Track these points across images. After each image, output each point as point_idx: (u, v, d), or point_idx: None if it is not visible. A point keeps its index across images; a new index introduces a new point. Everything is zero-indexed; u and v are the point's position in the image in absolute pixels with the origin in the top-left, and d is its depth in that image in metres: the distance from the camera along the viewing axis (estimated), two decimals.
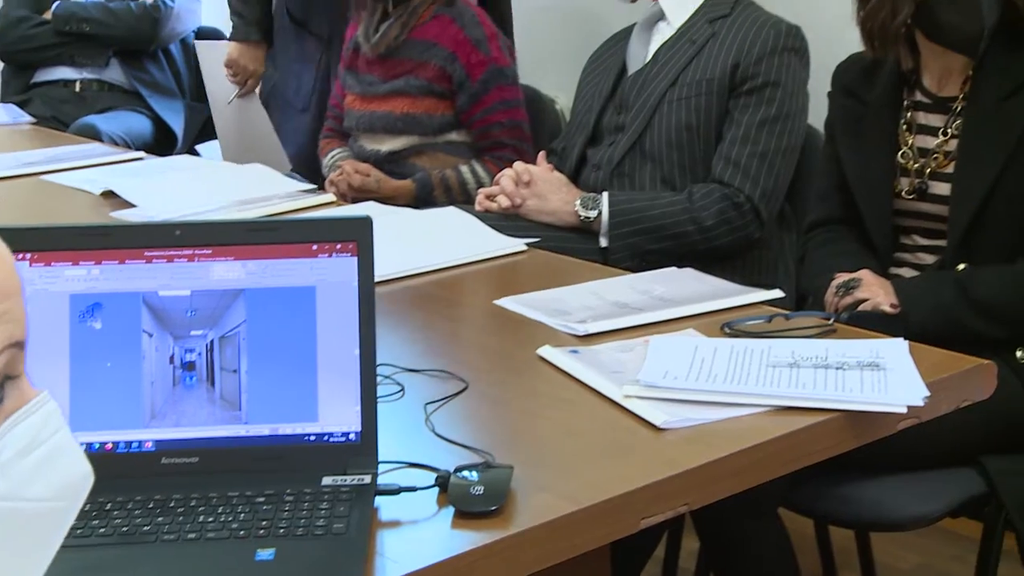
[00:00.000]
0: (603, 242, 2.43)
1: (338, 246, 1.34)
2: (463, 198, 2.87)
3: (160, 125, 3.99)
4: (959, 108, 2.06)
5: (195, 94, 4.18)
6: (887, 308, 1.93)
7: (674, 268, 2.07)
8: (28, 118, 3.71)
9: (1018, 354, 1.94)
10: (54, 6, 3.97)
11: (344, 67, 3.10)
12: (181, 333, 1.32)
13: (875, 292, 1.95)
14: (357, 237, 1.34)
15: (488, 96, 2.90)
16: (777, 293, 1.90)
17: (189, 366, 1.32)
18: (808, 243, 2.24)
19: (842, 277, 2.01)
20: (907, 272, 2.10)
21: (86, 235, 1.33)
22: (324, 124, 3.23)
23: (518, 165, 2.51)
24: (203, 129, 4.18)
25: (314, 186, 2.84)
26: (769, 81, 2.38)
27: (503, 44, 2.94)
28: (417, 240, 2.23)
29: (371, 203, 2.64)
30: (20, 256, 1.28)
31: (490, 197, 2.50)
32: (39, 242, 1.31)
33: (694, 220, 2.37)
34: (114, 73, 4.03)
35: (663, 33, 2.53)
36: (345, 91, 3.09)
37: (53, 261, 1.30)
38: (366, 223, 1.35)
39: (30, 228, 1.34)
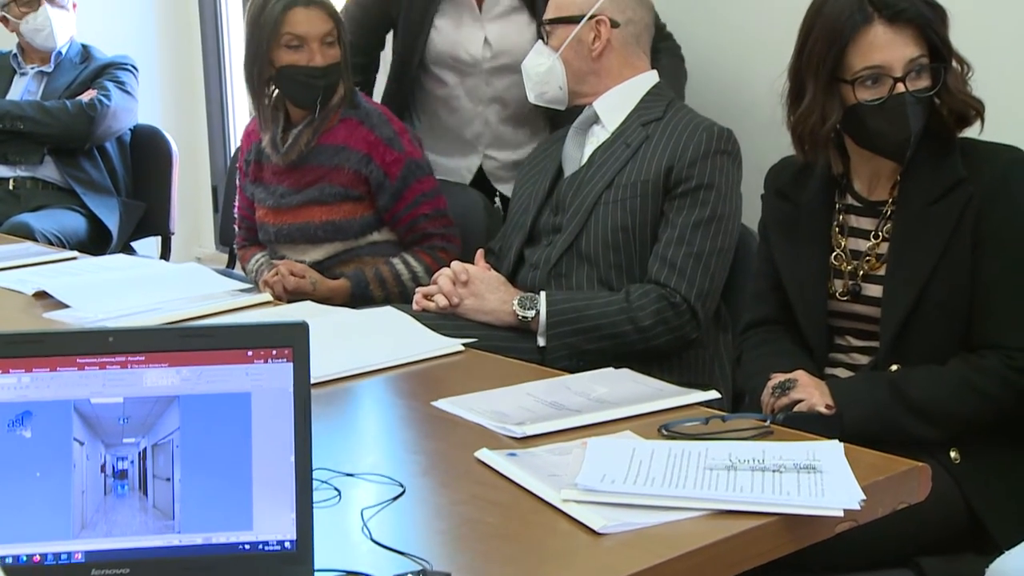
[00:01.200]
0: (541, 342, 2.43)
1: (274, 352, 1.33)
2: (398, 290, 2.88)
3: (95, 223, 3.97)
4: (889, 212, 2.09)
5: (130, 191, 4.16)
6: (822, 409, 1.94)
7: (611, 369, 2.07)
8: None
9: (952, 454, 1.96)
10: None
11: (249, 179, 3.08)
12: (113, 441, 1.30)
13: (810, 393, 1.96)
14: (293, 343, 1.33)
15: (409, 191, 2.91)
16: (713, 394, 1.91)
17: (121, 474, 1.30)
18: (744, 343, 2.26)
19: (778, 378, 2.02)
20: (842, 372, 2.12)
21: (16, 343, 1.31)
22: (236, 234, 3.21)
23: (455, 264, 2.52)
24: (139, 226, 4.16)
25: (250, 286, 2.83)
26: (703, 183, 2.41)
27: (413, 137, 2.96)
28: (354, 341, 2.23)
29: (308, 303, 2.63)
30: None
31: (427, 296, 2.50)
32: None
33: (632, 320, 2.39)
34: (48, 170, 4.01)
35: (598, 136, 2.57)
36: (254, 204, 3.08)
37: None
38: (302, 329, 1.34)
39: None
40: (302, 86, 2.88)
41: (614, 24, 2.53)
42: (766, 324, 2.23)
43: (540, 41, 2.61)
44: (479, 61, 3.08)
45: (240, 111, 5.11)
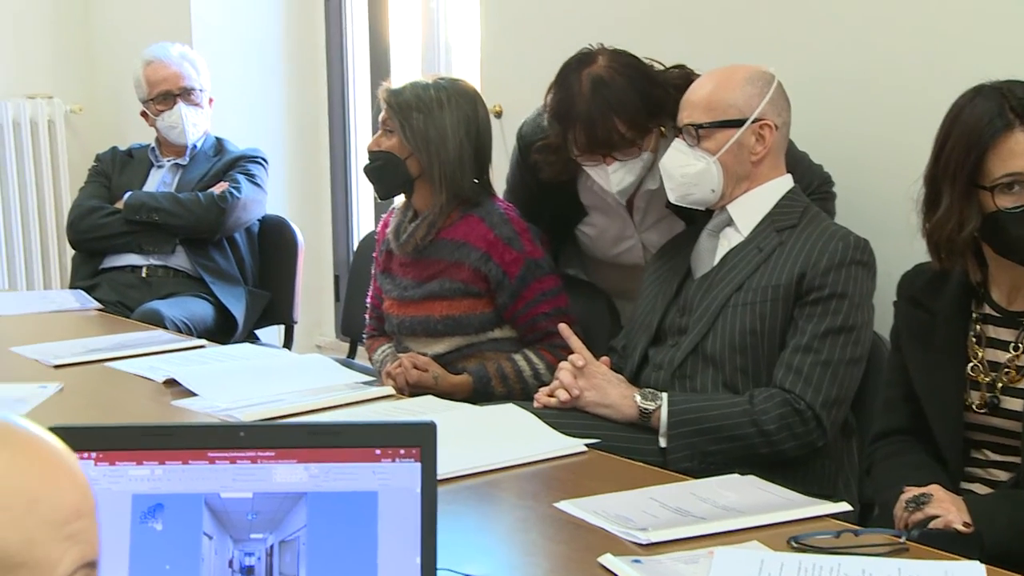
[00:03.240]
0: (662, 442, 2.40)
1: (401, 451, 1.33)
2: (520, 386, 2.87)
3: (222, 311, 4.03)
4: None
5: (256, 281, 4.24)
6: (960, 527, 1.86)
7: (737, 475, 2.03)
8: (95, 304, 3.77)
9: None
10: (126, 196, 4.07)
11: (379, 269, 3.13)
12: (241, 536, 1.31)
13: (947, 508, 1.89)
14: (421, 443, 1.33)
15: (529, 290, 2.91)
16: (844, 506, 1.85)
17: (248, 571, 1.30)
18: (874, 453, 2.19)
19: (912, 491, 1.95)
20: (979, 488, 2.05)
21: (150, 435, 1.33)
22: (367, 324, 3.25)
23: (573, 354, 2.50)
24: (263, 315, 4.22)
25: (373, 378, 2.84)
26: (836, 292, 2.37)
27: (535, 235, 2.95)
28: (476, 438, 2.22)
29: (430, 398, 2.64)
30: (85, 455, 1.28)
31: (550, 394, 2.49)
32: (104, 442, 1.30)
33: (755, 423, 2.35)
34: (179, 259, 4.10)
35: (731, 239, 2.53)
36: (383, 294, 3.11)
37: (118, 460, 1.30)
38: (430, 429, 1.33)
39: (96, 427, 1.34)
40: None
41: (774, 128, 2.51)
42: (897, 434, 2.17)
43: (681, 141, 2.53)
44: (639, 264, 3.00)
45: (364, 203, 5.20)
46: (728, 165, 2.49)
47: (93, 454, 1.30)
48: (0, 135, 5.27)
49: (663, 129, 2.66)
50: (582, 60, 2.68)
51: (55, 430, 1.13)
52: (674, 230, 2.87)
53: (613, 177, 2.71)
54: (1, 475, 0.70)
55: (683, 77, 2.65)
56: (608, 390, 2.45)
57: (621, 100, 2.62)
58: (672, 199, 2.59)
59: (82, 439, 1.29)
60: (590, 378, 2.46)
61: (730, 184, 2.51)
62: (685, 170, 2.52)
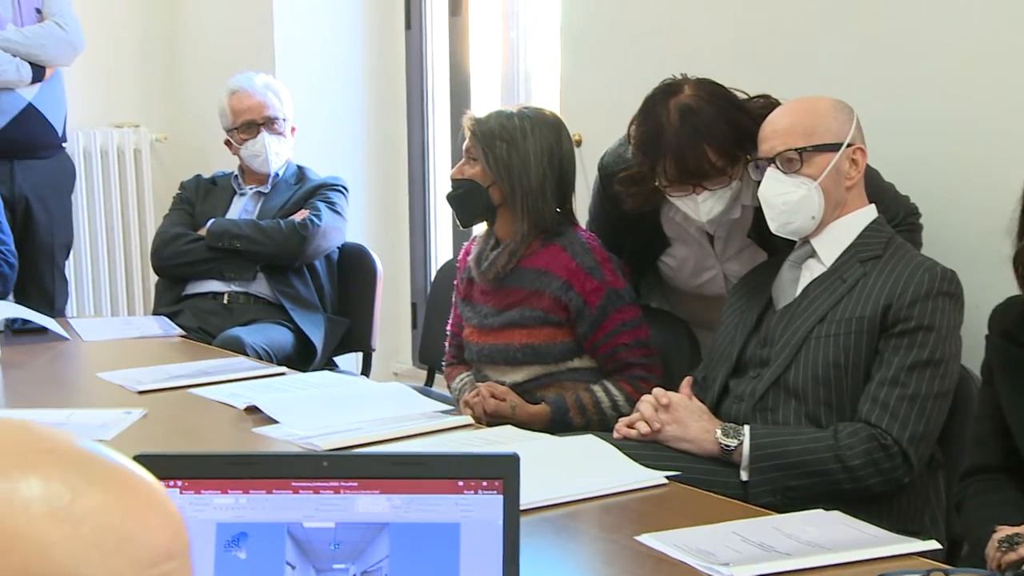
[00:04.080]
0: (744, 476, 2.37)
1: (484, 483, 1.32)
2: (598, 418, 2.85)
3: (301, 338, 4.06)
4: None
5: (336, 308, 4.26)
6: None
7: (821, 511, 2.00)
8: (178, 330, 3.81)
9: None
10: (209, 223, 4.12)
11: (460, 297, 3.14)
12: (323, 566, 1.30)
13: None
14: (504, 475, 1.32)
15: (609, 320, 2.89)
16: (934, 544, 1.81)
17: None
18: (965, 490, 2.15)
19: (1004, 531, 1.89)
20: None
21: (235, 464, 1.33)
22: (446, 351, 3.25)
23: (657, 389, 2.48)
24: (341, 342, 4.25)
25: (451, 407, 2.84)
26: (922, 325, 2.33)
27: (616, 266, 2.94)
28: (556, 469, 2.21)
29: (509, 428, 2.63)
30: (171, 484, 1.29)
31: (629, 425, 2.47)
32: (190, 470, 1.31)
33: (839, 459, 2.31)
34: (260, 286, 4.13)
35: (813, 270, 2.50)
36: (463, 322, 3.11)
37: (203, 489, 1.30)
38: (513, 461, 1.32)
39: (182, 456, 1.35)
40: None
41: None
42: (988, 471, 2.12)
43: (775, 170, 2.48)
44: (721, 295, 2.95)
45: (442, 231, 5.21)
46: (828, 190, 2.46)
47: (179, 483, 1.30)
48: (88, 163, 5.38)
49: (750, 157, 2.64)
50: (668, 90, 2.66)
51: (142, 458, 1.14)
52: (756, 260, 2.84)
53: (703, 207, 2.68)
54: (92, 512, 0.69)
55: (767, 107, 2.62)
56: (689, 424, 2.42)
57: (711, 128, 2.60)
58: (773, 229, 2.54)
59: (168, 467, 1.30)
60: (672, 412, 2.44)
61: (828, 210, 2.48)
62: (786, 198, 2.47)
